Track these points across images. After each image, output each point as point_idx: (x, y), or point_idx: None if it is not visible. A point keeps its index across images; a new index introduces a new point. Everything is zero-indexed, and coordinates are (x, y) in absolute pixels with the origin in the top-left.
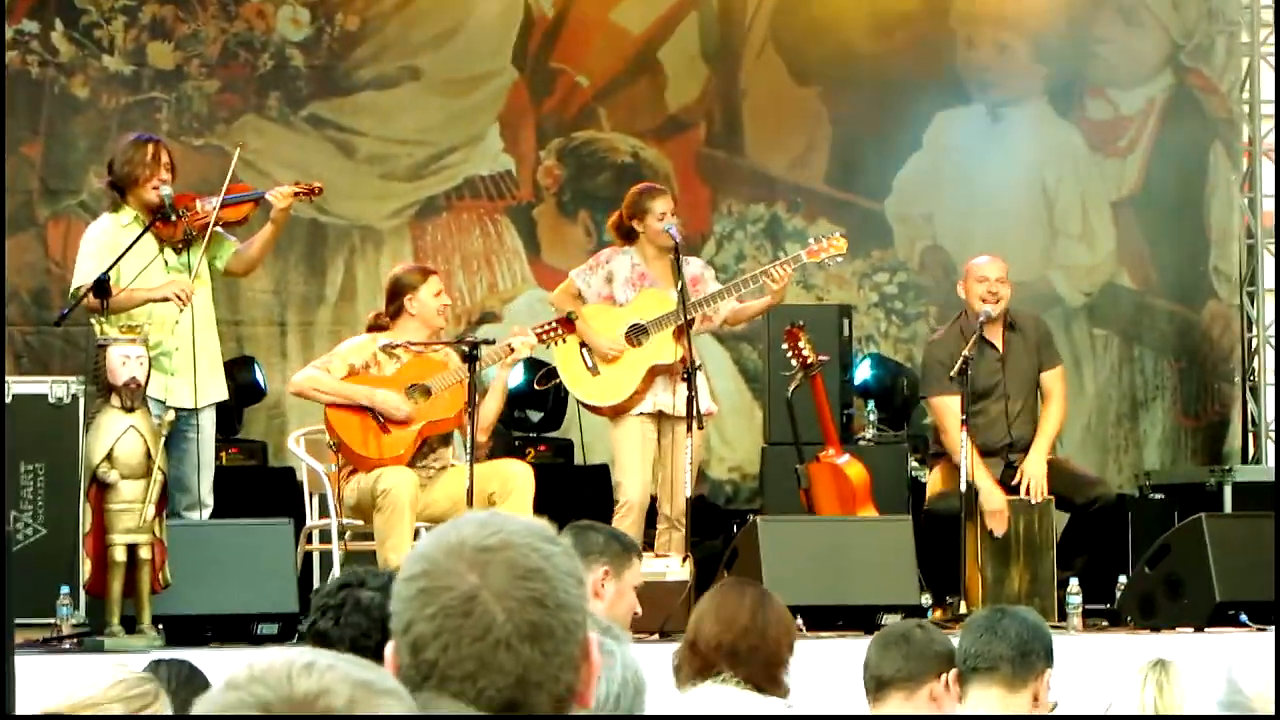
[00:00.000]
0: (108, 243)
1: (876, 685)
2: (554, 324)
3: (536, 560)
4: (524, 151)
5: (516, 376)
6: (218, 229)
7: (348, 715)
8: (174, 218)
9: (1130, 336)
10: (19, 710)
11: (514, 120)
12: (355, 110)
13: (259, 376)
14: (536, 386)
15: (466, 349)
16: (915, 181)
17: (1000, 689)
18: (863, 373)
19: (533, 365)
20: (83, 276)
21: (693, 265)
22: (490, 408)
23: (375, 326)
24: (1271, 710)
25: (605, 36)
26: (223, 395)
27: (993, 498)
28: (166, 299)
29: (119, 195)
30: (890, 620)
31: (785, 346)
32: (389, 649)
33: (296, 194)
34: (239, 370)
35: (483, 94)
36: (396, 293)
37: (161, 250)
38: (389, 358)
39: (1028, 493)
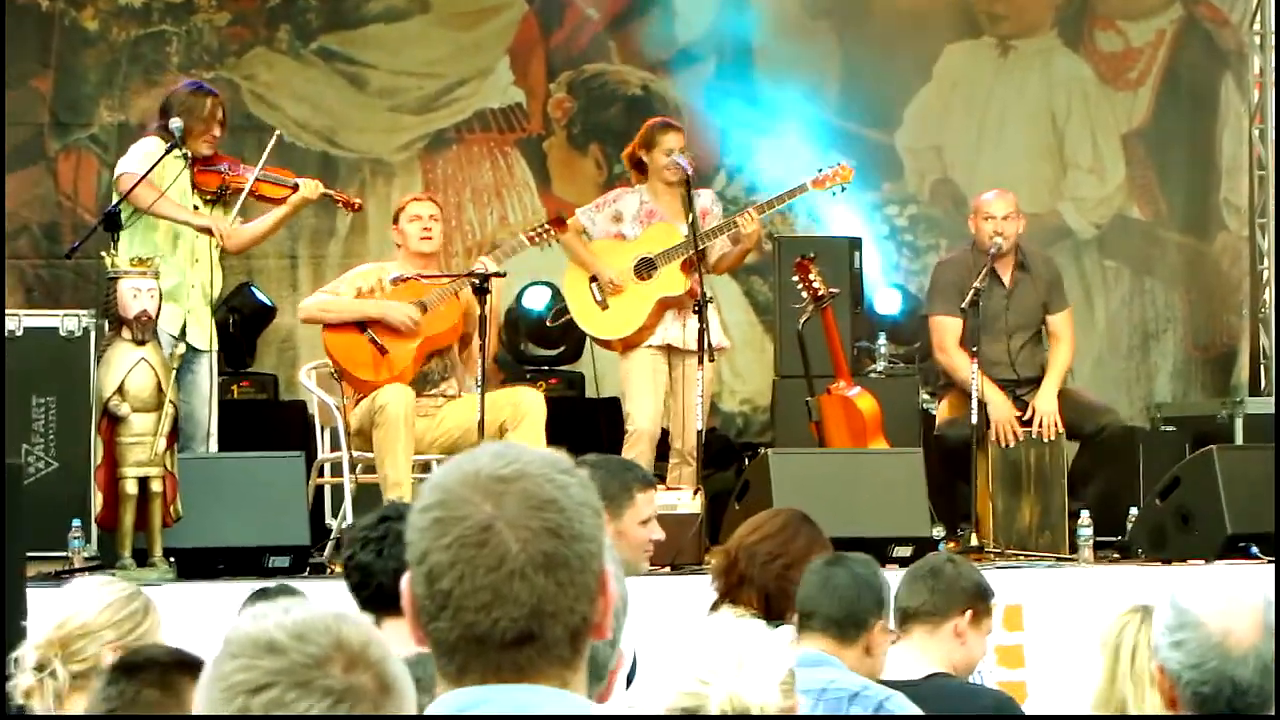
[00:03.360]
0: (153, 154)
1: (903, 618)
2: (545, 225)
3: (551, 491)
4: (534, 84)
5: (533, 303)
6: (238, 199)
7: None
8: (181, 152)
9: (1140, 269)
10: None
11: (524, 53)
12: (365, 43)
13: (261, 297)
14: (549, 324)
15: (478, 280)
16: (925, 114)
17: (830, 641)
18: (889, 305)
19: (549, 305)
20: (128, 170)
21: (703, 198)
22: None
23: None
24: (1229, 624)
25: None
26: (216, 339)
27: (1000, 407)
28: (206, 230)
29: (169, 133)
30: (901, 552)
31: (795, 279)
32: (405, 580)
33: (328, 194)
34: (236, 298)
35: (492, 26)
36: (394, 223)
37: (194, 194)
38: (390, 284)
39: (1040, 429)
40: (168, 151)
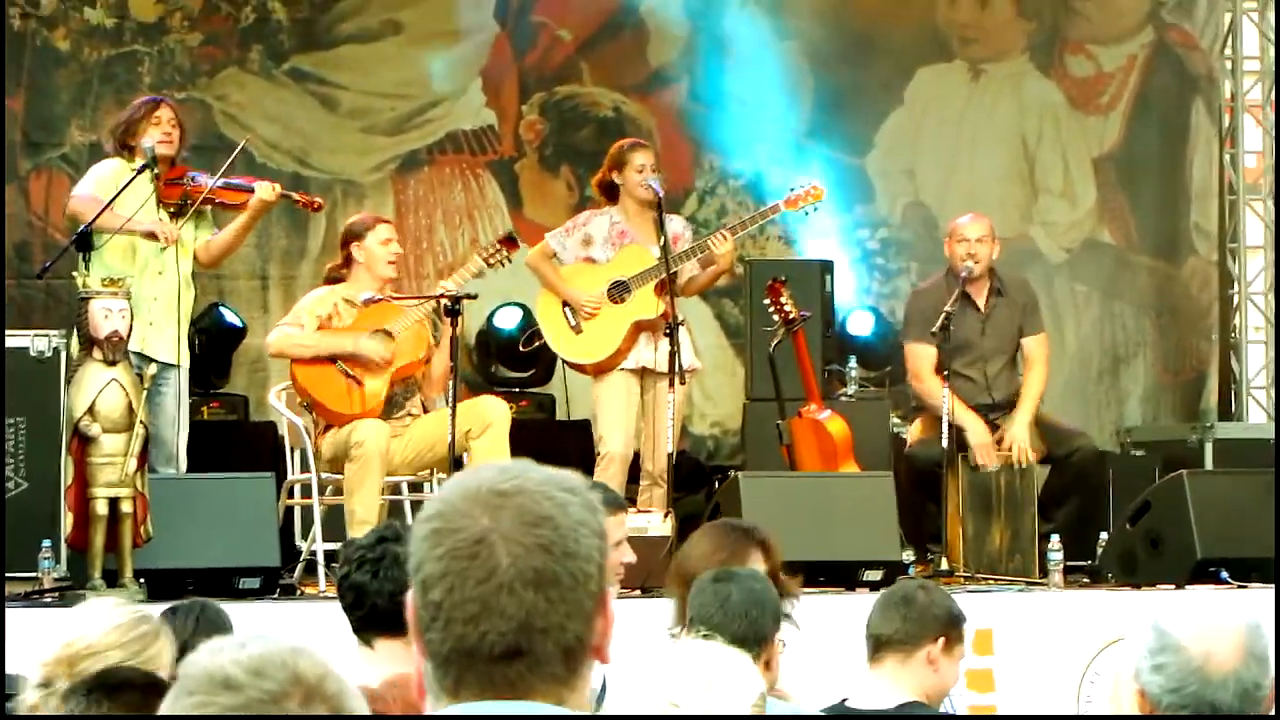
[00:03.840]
0: (113, 176)
1: (875, 645)
2: (496, 245)
3: (548, 507)
4: (506, 106)
5: (504, 324)
6: (207, 208)
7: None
8: (154, 171)
9: (1110, 293)
10: (6, 663)
11: (496, 74)
12: (337, 64)
13: (230, 318)
14: (522, 349)
15: (448, 302)
16: (897, 137)
17: None
18: (861, 328)
19: (520, 325)
20: (82, 194)
21: (674, 223)
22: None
23: (331, 279)
24: (1209, 649)
25: None
26: (187, 358)
27: (977, 430)
28: (151, 234)
29: (124, 149)
30: (871, 576)
31: (767, 301)
32: (409, 593)
33: (286, 196)
34: (204, 319)
35: (465, 48)
36: (345, 241)
37: (158, 209)
38: (348, 307)
39: (1012, 454)
40: (141, 170)
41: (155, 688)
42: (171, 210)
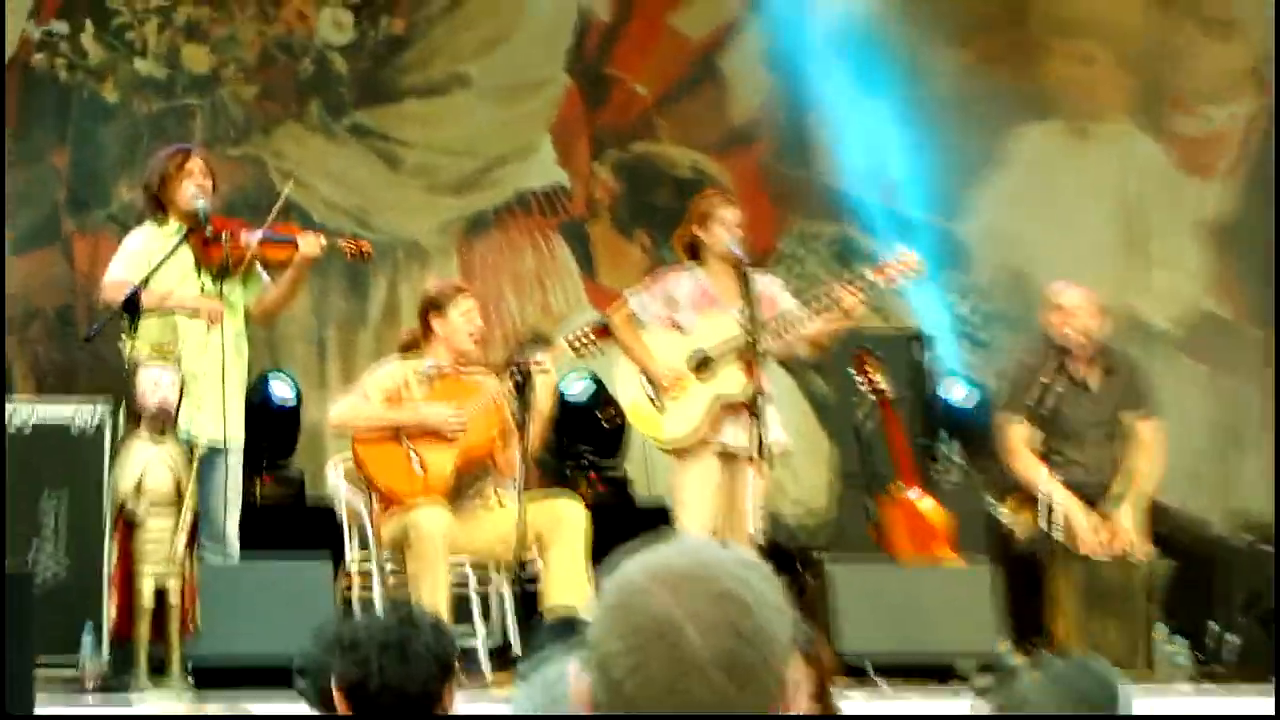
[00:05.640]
0: (145, 250)
1: None
2: (587, 331)
3: (738, 587)
4: (578, 164)
5: (573, 392)
6: (255, 265)
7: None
8: (208, 233)
9: (1222, 367)
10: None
11: (567, 131)
12: (400, 119)
13: (282, 392)
14: (603, 423)
15: (519, 374)
16: (994, 200)
17: None
18: (955, 398)
19: (591, 395)
20: (114, 278)
21: (764, 283)
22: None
23: (407, 346)
24: None
25: (664, 42)
26: (240, 436)
27: (1081, 516)
28: (196, 313)
29: (159, 208)
30: (965, 666)
31: (854, 373)
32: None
33: (332, 244)
34: (254, 393)
35: (534, 102)
36: (424, 311)
37: (199, 273)
38: (421, 382)
39: (1120, 545)
40: (189, 234)
41: None
42: (215, 272)
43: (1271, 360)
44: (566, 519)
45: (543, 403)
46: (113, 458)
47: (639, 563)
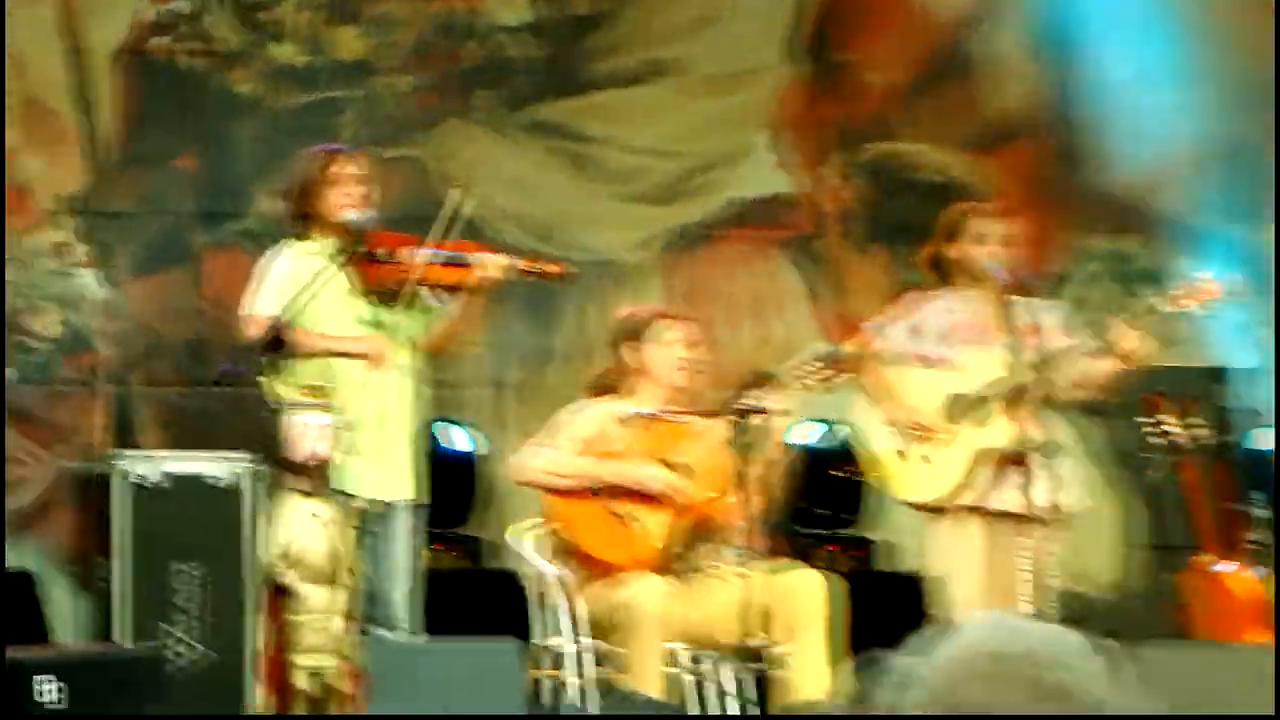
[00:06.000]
0: (291, 276)
1: None
2: (819, 368)
3: (1063, 678)
4: (803, 168)
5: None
6: (422, 290)
7: None
8: (366, 252)
9: None
10: None
11: (790, 128)
12: (589, 114)
13: (454, 441)
14: (837, 475)
15: (739, 420)
16: None
17: None
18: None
19: (825, 444)
20: (254, 312)
21: (1032, 310)
22: None
23: (602, 388)
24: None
25: (907, 21)
26: (411, 492)
27: None
28: (362, 355)
29: (303, 221)
30: None
31: (1144, 421)
32: None
33: (523, 270)
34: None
35: (749, 94)
36: (619, 342)
37: (356, 300)
38: (620, 428)
39: None
40: (344, 254)
41: None
42: (374, 297)
43: None
44: (803, 593)
45: (769, 455)
46: (258, 519)
47: (949, 648)
